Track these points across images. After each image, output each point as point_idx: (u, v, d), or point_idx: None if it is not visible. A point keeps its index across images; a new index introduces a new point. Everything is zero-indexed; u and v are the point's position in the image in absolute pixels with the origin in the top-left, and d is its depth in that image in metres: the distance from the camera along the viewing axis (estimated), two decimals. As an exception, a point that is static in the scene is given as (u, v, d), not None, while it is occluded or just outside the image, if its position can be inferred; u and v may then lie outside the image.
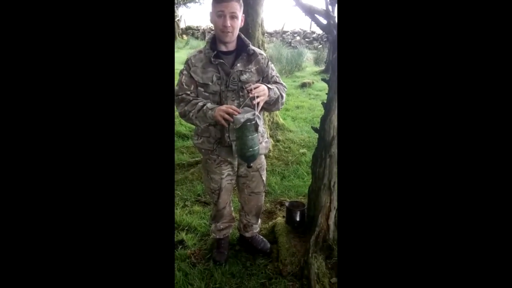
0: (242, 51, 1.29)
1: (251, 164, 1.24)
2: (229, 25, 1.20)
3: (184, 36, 13.62)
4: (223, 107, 1.17)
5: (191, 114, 1.25)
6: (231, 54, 1.30)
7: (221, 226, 1.64)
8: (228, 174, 1.47)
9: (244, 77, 1.28)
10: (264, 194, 1.65)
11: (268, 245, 1.69)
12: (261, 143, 1.37)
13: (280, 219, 1.89)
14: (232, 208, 1.70)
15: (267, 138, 1.50)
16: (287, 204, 1.85)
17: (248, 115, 1.12)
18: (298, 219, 1.75)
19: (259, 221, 1.73)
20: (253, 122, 1.13)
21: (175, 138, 3.27)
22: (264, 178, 1.55)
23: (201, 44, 10.83)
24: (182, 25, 14.28)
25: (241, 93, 1.29)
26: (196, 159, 2.76)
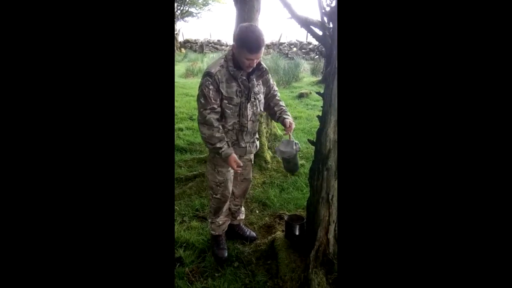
0: (255, 68, 1.48)
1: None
2: (254, 65, 1.44)
3: (182, 49, 13.77)
4: (236, 160, 1.48)
5: (217, 145, 1.47)
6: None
7: (220, 222, 1.77)
8: None
9: (256, 89, 1.55)
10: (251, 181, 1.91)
11: (254, 233, 1.93)
12: (253, 142, 1.66)
13: (279, 233, 1.86)
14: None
15: (257, 139, 1.72)
16: (286, 217, 1.83)
17: (296, 147, 1.60)
18: (297, 233, 1.72)
19: (243, 208, 1.95)
20: (299, 150, 1.62)
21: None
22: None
23: (199, 57, 10.93)
24: (180, 38, 14.45)
25: (254, 103, 1.54)
26: (194, 173, 2.74)
